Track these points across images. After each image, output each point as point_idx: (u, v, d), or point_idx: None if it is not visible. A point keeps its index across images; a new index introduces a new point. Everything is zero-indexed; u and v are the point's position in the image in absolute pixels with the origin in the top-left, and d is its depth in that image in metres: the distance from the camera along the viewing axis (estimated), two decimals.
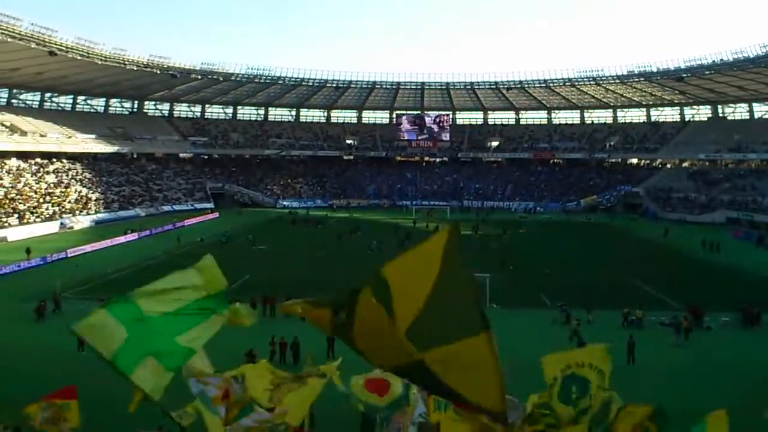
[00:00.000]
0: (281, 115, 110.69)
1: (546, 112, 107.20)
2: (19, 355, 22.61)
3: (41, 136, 73.08)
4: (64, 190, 69.42)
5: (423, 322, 4.34)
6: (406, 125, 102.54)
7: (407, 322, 4.39)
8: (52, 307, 29.61)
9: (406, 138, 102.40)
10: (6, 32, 58.26)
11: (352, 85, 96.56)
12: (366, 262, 43.89)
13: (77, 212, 65.73)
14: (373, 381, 10.56)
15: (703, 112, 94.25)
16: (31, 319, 28.44)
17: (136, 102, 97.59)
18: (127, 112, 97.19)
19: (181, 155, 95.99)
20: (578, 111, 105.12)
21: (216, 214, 75.45)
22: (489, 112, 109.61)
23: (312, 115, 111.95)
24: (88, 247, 48.86)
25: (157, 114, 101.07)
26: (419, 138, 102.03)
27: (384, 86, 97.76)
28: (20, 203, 61.68)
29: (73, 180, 73.14)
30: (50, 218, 61.64)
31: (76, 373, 16.91)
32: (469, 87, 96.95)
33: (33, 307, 29.23)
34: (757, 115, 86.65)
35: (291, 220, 70.06)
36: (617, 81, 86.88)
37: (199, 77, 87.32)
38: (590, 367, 7.73)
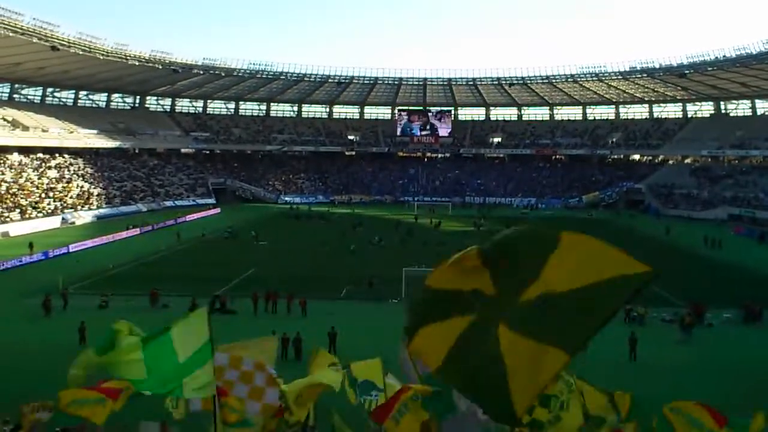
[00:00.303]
0: (283, 110, 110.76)
1: (548, 108, 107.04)
2: (28, 352, 22.58)
3: (43, 131, 73.10)
4: (65, 185, 69.42)
5: (549, 301, 4.26)
6: (407, 120, 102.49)
7: (534, 293, 4.37)
8: (61, 303, 29.39)
9: (410, 132, 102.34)
10: (8, 27, 58.23)
11: (354, 81, 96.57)
12: (368, 257, 44.04)
13: (79, 207, 65.75)
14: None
15: (705, 109, 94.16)
16: (38, 314, 28.22)
17: (137, 97, 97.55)
18: (128, 107, 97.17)
19: (182, 150, 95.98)
20: (580, 107, 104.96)
21: (218, 210, 75.58)
22: (491, 107, 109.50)
23: (314, 110, 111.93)
24: (89, 243, 48.83)
25: (158, 109, 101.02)
26: (421, 134, 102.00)
27: (386, 82, 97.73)
28: (22, 198, 61.72)
29: (74, 175, 73.14)
30: (52, 213, 61.63)
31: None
32: (471, 83, 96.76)
33: (36, 302, 29.18)
34: (759, 112, 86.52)
35: (294, 215, 70.18)
36: (619, 77, 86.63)
37: (201, 72, 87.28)
38: None
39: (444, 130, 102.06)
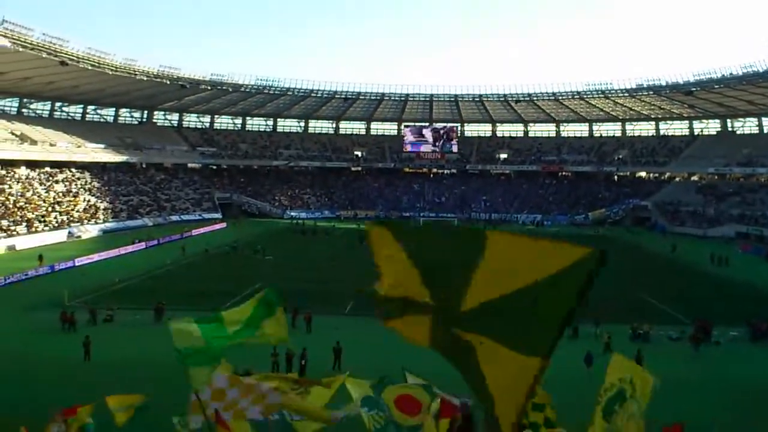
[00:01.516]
0: (290, 126, 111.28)
1: (554, 124, 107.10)
2: (37, 365, 22.60)
3: (51, 145, 73.52)
4: (72, 199, 69.73)
5: (495, 308, 4.15)
6: (411, 137, 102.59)
7: (479, 298, 4.25)
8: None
9: (411, 150, 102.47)
10: (18, 42, 58.78)
11: (360, 97, 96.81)
12: (374, 272, 43.85)
13: (85, 221, 65.99)
14: (403, 398, 10.39)
15: (712, 126, 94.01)
16: (43, 328, 28.16)
17: (145, 112, 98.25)
18: (136, 122, 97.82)
19: (189, 165, 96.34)
20: (587, 124, 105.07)
21: (224, 224, 75.69)
22: (497, 124, 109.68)
23: (320, 126, 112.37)
24: (95, 256, 48.93)
25: (166, 124, 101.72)
26: (428, 150, 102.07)
27: (392, 98, 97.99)
28: (29, 212, 62.00)
29: (81, 189, 73.48)
30: (58, 227, 61.88)
31: (99, 384, 16.89)
32: (477, 99, 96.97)
33: (43, 315, 29.39)
34: (766, 130, 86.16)
35: (300, 230, 70.21)
36: (626, 94, 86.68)
37: (209, 88, 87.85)
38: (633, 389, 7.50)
39: (450, 146, 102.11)
